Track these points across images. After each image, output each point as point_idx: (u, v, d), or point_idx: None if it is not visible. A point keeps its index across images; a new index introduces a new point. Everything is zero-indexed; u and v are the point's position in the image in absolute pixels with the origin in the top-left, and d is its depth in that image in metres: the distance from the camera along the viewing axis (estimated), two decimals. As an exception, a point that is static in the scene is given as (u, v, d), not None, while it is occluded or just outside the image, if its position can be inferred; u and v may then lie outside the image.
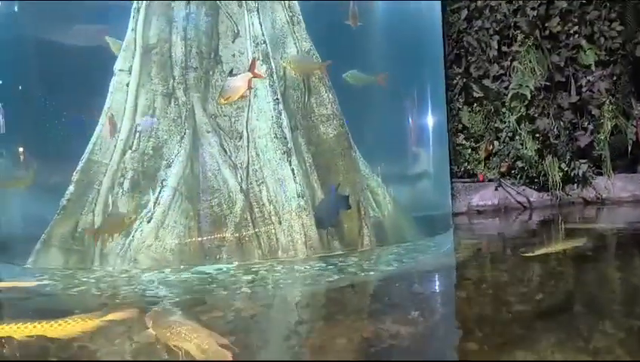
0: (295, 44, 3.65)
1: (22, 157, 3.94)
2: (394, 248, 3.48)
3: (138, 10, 3.39)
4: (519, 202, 5.58)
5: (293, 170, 3.32)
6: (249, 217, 3.33)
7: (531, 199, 5.59)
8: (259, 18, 3.51)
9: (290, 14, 3.70)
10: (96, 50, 3.71)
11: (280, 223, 3.24)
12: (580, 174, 5.52)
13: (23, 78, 3.79)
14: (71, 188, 3.26)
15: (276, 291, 2.52)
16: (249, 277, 2.73)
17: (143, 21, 3.39)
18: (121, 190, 3.29)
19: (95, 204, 3.26)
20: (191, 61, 3.48)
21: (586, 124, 5.66)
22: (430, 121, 5.15)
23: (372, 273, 2.83)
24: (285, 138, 3.36)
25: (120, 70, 3.38)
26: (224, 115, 3.54)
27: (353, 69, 3.81)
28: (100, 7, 3.65)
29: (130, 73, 3.38)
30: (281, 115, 3.39)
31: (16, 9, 3.97)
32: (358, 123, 3.96)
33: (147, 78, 3.41)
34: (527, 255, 2.84)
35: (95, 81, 3.50)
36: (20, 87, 3.88)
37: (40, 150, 3.71)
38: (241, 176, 3.38)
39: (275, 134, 3.36)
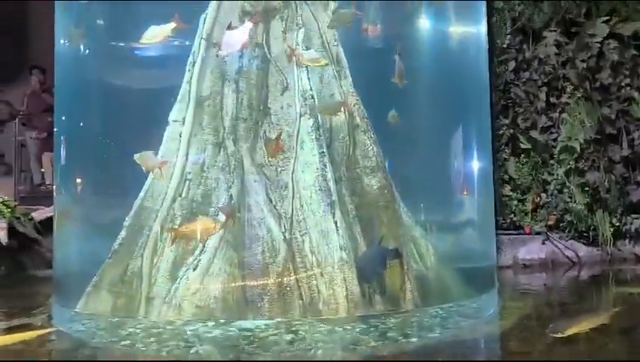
0: (341, 97, 3.74)
1: (79, 192, 4.09)
2: (437, 309, 3.42)
3: (193, 65, 3.56)
4: (568, 257, 5.40)
5: (336, 222, 3.35)
6: (291, 267, 3.36)
7: (580, 254, 5.40)
8: (307, 73, 3.63)
9: (338, 69, 3.80)
10: (154, 95, 3.91)
11: (322, 275, 3.25)
12: (633, 230, 5.32)
13: (85, 115, 4.02)
14: (123, 233, 3.39)
15: (316, 354, 2.52)
16: (289, 337, 2.75)
17: (197, 74, 3.56)
18: (169, 235, 3.40)
19: (144, 249, 3.37)
20: (241, 112, 3.61)
21: (639, 178, 5.48)
22: (475, 169, 5.12)
23: (414, 339, 2.79)
24: (329, 190, 3.41)
25: (174, 121, 3.54)
26: (271, 166, 3.63)
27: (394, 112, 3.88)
28: (160, 53, 3.86)
29: (183, 123, 3.52)
30: (325, 167, 3.45)
31: (82, 52, 4.24)
32: (401, 168, 3.99)
33: (199, 128, 3.55)
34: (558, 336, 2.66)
35: (153, 126, 3.67)
36: (82, 124, 4.11)
37: (99, 188, 3.89)
38: (285, 226, 3.44)
39: (320, 186, 3.42)
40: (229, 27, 3.33)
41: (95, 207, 3.84)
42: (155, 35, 3.34)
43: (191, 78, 3.54)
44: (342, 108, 3.65)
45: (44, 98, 7.82)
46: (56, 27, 4.04)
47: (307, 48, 3.63)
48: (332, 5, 3.83)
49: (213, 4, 3.66)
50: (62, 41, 4.08)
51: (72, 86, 4.11)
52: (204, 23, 3.62)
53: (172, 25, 3.31)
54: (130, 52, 3.82)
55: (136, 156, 3.31)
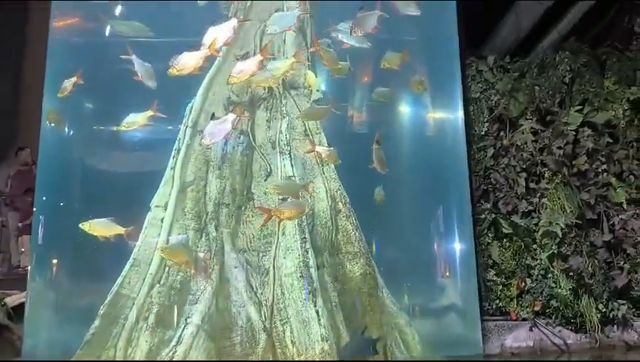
0: (324, 183, 3.79)
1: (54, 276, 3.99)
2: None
3: (178, 151, 3.61)
4: (556, 344, 5.27)
5: (318, 311, 3.29)
6: (271, 357, 3.25)
7: (568, 341, 5.28)
8: (290, 160, 3.70)
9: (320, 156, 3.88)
10: (136, 177, 3.92)
11: (302, 368, 3.14)
12: (620, 316, 5.24)
13: (66, 195, 4.00)
14: (96, 322, 3.28)
15: None
16: None
17: (182, 161, 3.60)
18: (145, 324, 3.29)
19: (118, 339, 3.25)
20: (224, 198, 3.63)
21: (622, 263, 5.48)
22: (458, 253, 5.11)
23: None
24: (311, 277, 3.37)
25: (156, 206, 3.53)
26: (252, 250, 3.61)
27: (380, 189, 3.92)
28: (143, 137, 3.92)
29: (165, 209, 3.52)
30: (308, 253, 3.43)
31: (66, 135, 4.29)
32: (384, 254, 3.97)
33: (181, 213, 3.54)
34: None
35: (135, 208, 3.65)
36: (62, 204, 4.07)
37: (75, 269, 3.79)
38: (265, 315, 3.35)
39: (302, 273, 3.38)
40: (212, 117, 3.44)
41: (69, 293, 3.74)
42: (134, 122, 3.42)
43: (175, 164, 3.59)
44: (304, 189, 3.65)
45: (29, 177, 7.79)
46: (44, 107, 4.11)
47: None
48: (314, 96, 3.99)
49: (200, 93, 3.78)
50: (47, 123, 4.14)
51: (55, 167, 4.13)
52: (190, 111, 3.73)
53: (149, 113, 3.40)
54: (112, 136, 3.88)
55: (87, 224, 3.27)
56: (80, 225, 3.39)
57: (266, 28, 3.68)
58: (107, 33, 4.19)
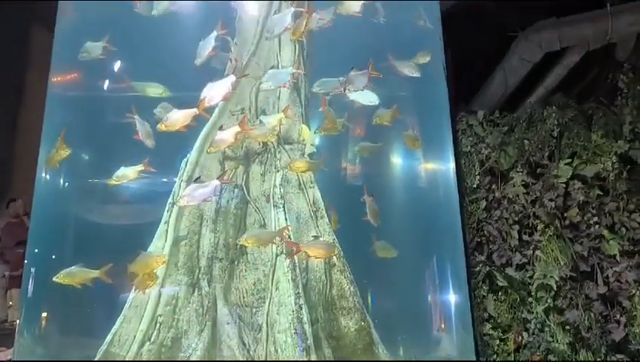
0: (318, 235, 3.79)
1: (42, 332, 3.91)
2: None
3: (173, 205, 3.62)
4: (556, 401, 5.16)
5: (312, 369, 3.21)
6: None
7: (569, 398, 5.17)
8: (284, 212, 3.71)
9: (314, 209, 3.90)
10: (130, 231, 3.91)
11: None
12: (619, 370, 5.16)
13: (59, 248, 3.95)
14: (84, 382, 3.19)
15: None
16: None
17: (176, 214, 3.60)
18: (134, 384, 3.20)
19: (105, 401, 3.15)
20: (217, 252, 3.61)
21: (618, 316, 5.44)
22: (453, 306, 5.06)
23: None
24: (305, 334, 3.31)
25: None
26: (246, 306, 3.56)
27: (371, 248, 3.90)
28: (138, 189, 3.92)
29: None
30: (302, 309, 3.39)
31: (61, 186, 4.29)
32: (378, 307, 3.92)
33: (174, 268, 3.51)
34: None
35: (128, 262, 3.61)
36: (54, 256, 4.02)
37: (65, 324, 3.71)
38: (258, 373, 3.28)
39: (295, 329, 3.32)
40: (197, 180, 3.48)
41: (59, 349, 3.64)
42: (124, 175, 3.46)
43: (169, 218, 3.59)
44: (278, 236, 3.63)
45: (20, 230, 7.73)
46: (39, 160, 4.13)
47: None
48: (308, 150, 4.05)
49: (196, 147, 3.83)
50: (43, 175, 4.16)
51: (49, 218, 4.11)
52: (186, 165, 3.76)
53: (140, 167, 3.45)
54: (107, 188, 3.89)
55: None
56: (54, 279, 3.38)
57: (260, 84, 3.77)
58: (105, 88, 4.28)
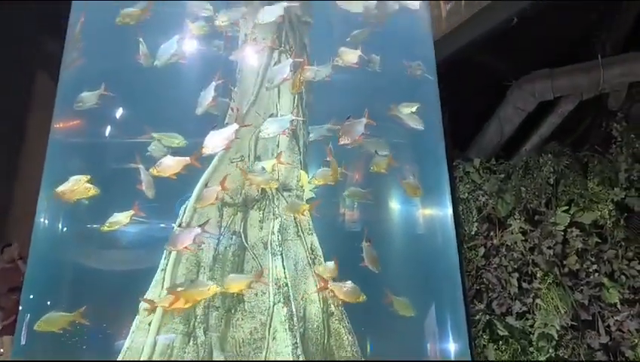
0: (316, 284, 3.76)
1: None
2: None
3: (170, 253, 3.61)
4: None
5: (309, 422, 3.12)
6: None
7: None
8: (282, 261, 3.69)
9: (313, 256, 3.89)
10: (127, 277, 3.87)
11: None
12: (625, 424, 5.03)
13: (54, 294, 3.91)
14: None
15: None
16: None
17: (173, 262, 3.59)
18: None
19: None
20: (214, 300, 3.57)
21: (622, 366, 5.36)
22: (453, 355, 4.96)
23: None
24: (302, 385, 3.24)
25: (144, 309, 3.46)
26: (242, 356, 3.49)
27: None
28: (136, 235, 3.92)
29: (154, 312, 3.45)
30: (299, 359, 3.32)
31: (59, 231, 4.28)
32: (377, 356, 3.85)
33: (169, 317, 3.46)
34: None
35: (124, 309, 3.57)
36: (49, 303, 3.97)
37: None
38: None
39: (292, 381, 3.26)
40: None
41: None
42: (117, 221, 3.48)
43: (166, 265, 3.57)
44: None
45: (15, 276, 7.65)
46: (39, 204, 4.14)
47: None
48: (307, 195, 4.07)
49: (195, 193, 3.85)
50: (41, 219, 4.15)
51: (45, 264, 4.08)
52: (184, 211, 3.77)
53: (131, 212, 3.47)
54: (105, 234, 3.89)
55: None
56: (35, 328, 3.37)
57: (260, 132, 3.83)
58: (107, 134, 4.33)
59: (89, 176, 3.62)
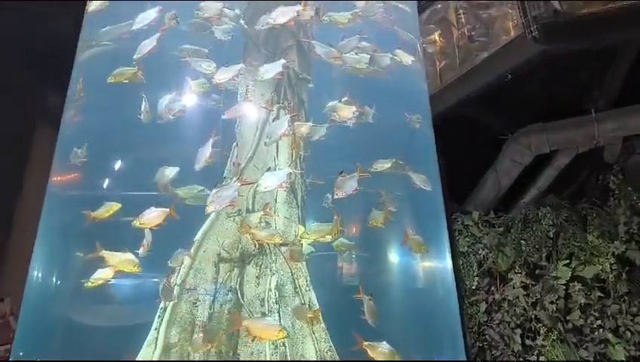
0: (314, 344, 3.66)
1: None
2: None
3: (164, 310, 3.52)
4: None
5: None
6: None
7: None
8: (279, 318, 3.60)
9: (310, 316, 3.80)
10: (120, 334, 3.77)
11: None
12: None
13: (45, 351, 3.79)
14: None
15: None
16: None
17: (167, 321, 3.50)
18: None
19: None
20: (209, 356, 3.46)
21: None
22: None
23: None
24: None
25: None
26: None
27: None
28: (130, 290, 3.84)
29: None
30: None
31: (53, 285, 4.19)
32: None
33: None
34: None
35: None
36: (39, 360, 3.85)
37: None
38: None
39: None
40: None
41: None
42: (100, 278, 3.43)
43: (160, 324, 3.48)
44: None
45: (5, 331, 7.47)
46: (33, 259, 4.08)
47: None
48: (305, 250, 4.03)
49: (193, 250, 3.80)
50: (35, 273, 4.08)
51: (37, 320, 3.98)
52: (180, 268, 3.71)
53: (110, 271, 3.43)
54: (98, 289, 3.82)
55: None
56: None
57: (257, 186, 3.83)
58: (105, 186, 4.33)
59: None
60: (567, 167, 7.01)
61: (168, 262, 3.64)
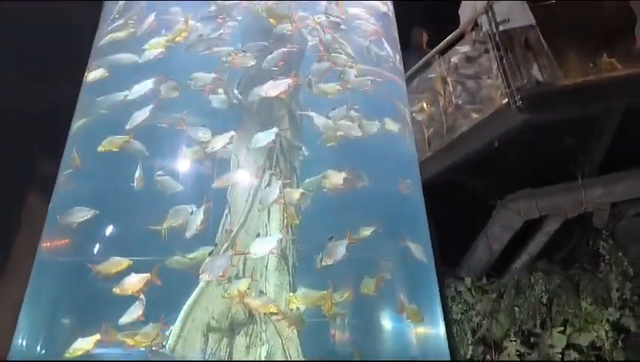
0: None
1: None
2: None
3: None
4: None
5: None
6: None
7: None
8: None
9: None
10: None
11: None
12: None
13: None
14: None
15: None
16: None
17: (153, 393, 3.39)
18: None
19: None
20: None
21: None
22: None
23: None
24: None
25: None
26: None
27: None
28: (118, 358, 3.72)
29: None
30: None
31: (38, 353, 4.06)
32: None
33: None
34: None
35: None
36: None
37: None
38: None
39: None
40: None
41: None
42: (80, 348, 3.33)
43: (146, 396, 3.37)
44: None
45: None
46: (19, 325, 3.98)
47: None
48: (297, 320, 3.96)
49: (180, 318, 3.74)
50: (19, 341, 3.98)
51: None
52: (169, 336, 3.63)
53: (97, 336, 3.35)
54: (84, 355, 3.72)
55: None
56: None
57: (248, 253, 3.83)
58: (95, 252, 4.30)
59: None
60: (557, 232, 7.06)
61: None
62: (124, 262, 3.52)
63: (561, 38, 6.75)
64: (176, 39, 4.18)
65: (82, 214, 3.90)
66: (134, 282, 3.42)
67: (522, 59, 6.30)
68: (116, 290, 3.40)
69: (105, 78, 4.43)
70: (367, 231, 4.11)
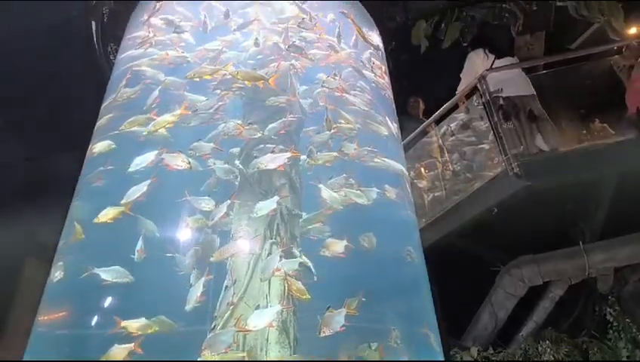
0: None
1: None
2: None
3: None
4: None
5: None
6: None
7: None
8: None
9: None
10: None
11: None
12: None
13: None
14: None
15: None
16: None
17: None
18: None
19: None
20: None
21: None
22: None
23: None
24: None
25: None
26: None
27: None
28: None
29: None
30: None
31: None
32: None
33: None
34: None
35: None
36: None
37: None
38: None
39: None
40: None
41: None
42: None
43: None
44: None
45: None
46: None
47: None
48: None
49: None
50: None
51: None
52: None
53: None
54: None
55: None
56: None
57: (250, 331, 3.76)
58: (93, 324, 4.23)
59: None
60: (562, 299, 6.94)
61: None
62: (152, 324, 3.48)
63: (553, 106, 6.95)
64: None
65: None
66: (116, 352, 3.36)
67: (527, 127, 6.45)
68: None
69: (110, 151, 4.51)
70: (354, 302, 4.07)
